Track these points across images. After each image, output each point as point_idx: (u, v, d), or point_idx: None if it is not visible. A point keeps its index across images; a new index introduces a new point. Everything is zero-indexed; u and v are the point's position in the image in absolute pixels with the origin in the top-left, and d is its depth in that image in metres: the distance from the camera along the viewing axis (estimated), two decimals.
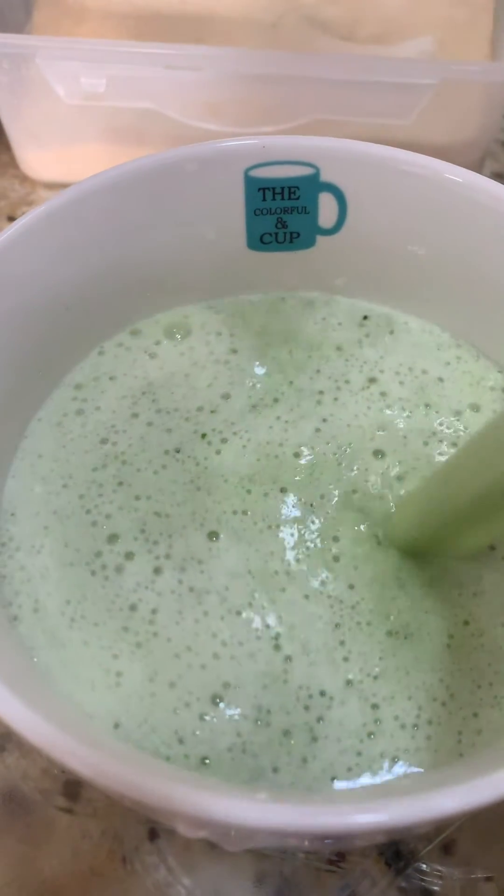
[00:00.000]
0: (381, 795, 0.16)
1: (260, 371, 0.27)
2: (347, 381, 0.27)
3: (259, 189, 0.24)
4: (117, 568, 0.23)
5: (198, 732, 0.21)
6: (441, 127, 0.37)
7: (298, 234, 0.25)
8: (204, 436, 0.26)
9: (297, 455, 0.25)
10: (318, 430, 0.26)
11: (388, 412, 0.26)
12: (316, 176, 0.24)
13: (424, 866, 0.24)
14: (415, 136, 0.37)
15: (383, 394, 0.26)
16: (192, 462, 0.25)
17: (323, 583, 0.23)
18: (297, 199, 0.24)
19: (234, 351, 0.28)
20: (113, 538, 0.24)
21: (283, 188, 0.24)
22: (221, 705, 0.21)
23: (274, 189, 0.24)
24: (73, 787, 0.26)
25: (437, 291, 0.27)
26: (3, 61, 0.36)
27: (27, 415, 0.26)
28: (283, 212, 0.25)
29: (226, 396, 0.26)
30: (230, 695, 0.21)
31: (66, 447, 0.25)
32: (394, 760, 0.20)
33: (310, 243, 0.26)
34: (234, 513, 0.24)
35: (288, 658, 0.22)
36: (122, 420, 0.26)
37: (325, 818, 0.13)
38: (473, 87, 0.36)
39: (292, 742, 0.21)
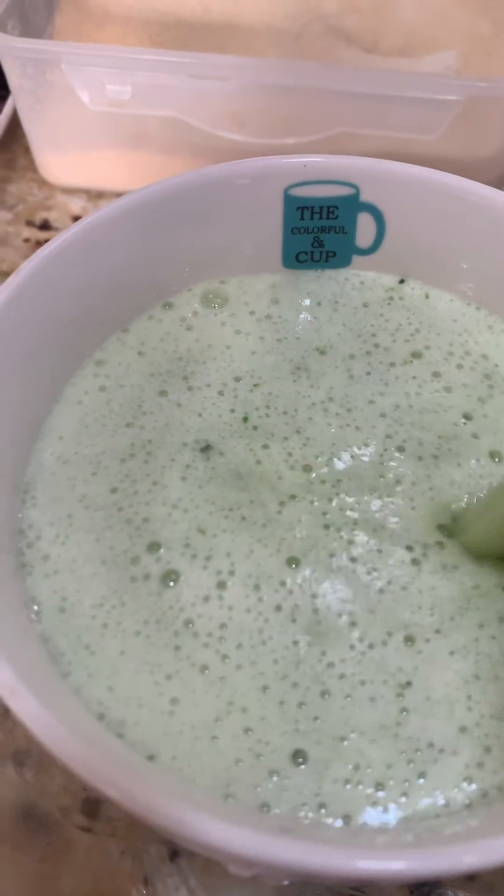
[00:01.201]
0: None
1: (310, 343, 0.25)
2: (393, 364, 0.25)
3: (298, 208, 0.24)
4: (164, 577, 0.21)
5: (259, 789, 0.18)
6: (465, 142, 0.37)
7: (335, 254, 0.25)
8: (245, 419, 0.24)
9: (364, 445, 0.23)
10: (383, 415, 0.24)
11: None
12: (356, 196, 0.24)
13: (449, 892, 0.24)
14: (439, 151, 0.37)
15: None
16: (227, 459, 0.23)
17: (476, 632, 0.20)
18: (336, 218, 0.24)
19: (273, 317, 0.26)
20: (153, 547, 0.22)
21: (321, 207, 0.24)
22: (304, 767, 0.18)
23: (313, 208, 0.24)
24: (92, 805, 0.25)
25: None
26: (28, 66, 0.36)
27: (51, 394, 0.24)
28: (321, 231, 0.24)
29: (274, 368, 0.25)
30: (320, 752, 0.18)
31: (88, 427, 0.24)
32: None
33: (345, 262, 0.26)
34: (308, 538, 0.22)
35: (404, 710, 0.19)
36: (149, 400, 0.24)
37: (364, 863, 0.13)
38: (499, 103, 0.36)
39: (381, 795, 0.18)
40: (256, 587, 0.21)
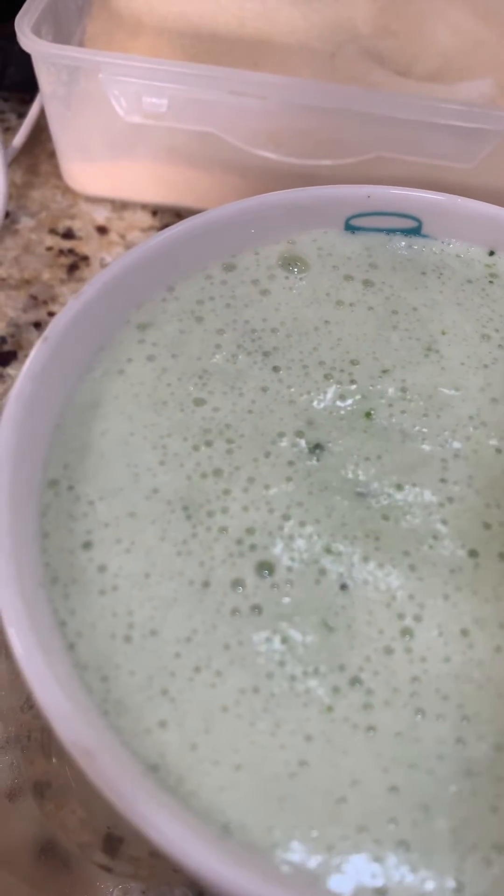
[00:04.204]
0: None
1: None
2: None
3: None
4: (253, 609, 0.18)
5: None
6: (502, 172, 0.37)
7: None
8: (369, 415, 0.20)
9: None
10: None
11: None
12: (417, 229, 0.24)
13: None
14: (475, 180, 0.37)
15: None
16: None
17: None
18: None
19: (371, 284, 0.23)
20: (263, 567, 0.18)
21: None
22: (410, 854, 0.15)
23: None
24: (113, 843, 0.25)
25: None
26: (62, 73, 0.35)
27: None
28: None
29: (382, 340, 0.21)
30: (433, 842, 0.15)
31: (140, 404, 0.20)
32: None
33: None
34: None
35: None
36: (216, 374, 0.20)
37: None
38: None
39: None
40: (448, 639, 0.18)
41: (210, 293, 0.22)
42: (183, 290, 0.22)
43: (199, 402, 0.20)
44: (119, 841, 0.25)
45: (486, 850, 0.15)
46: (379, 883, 0.15)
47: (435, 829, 0.16)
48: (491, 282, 0.23)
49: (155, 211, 0.40)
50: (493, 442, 0.21)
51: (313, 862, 0.15)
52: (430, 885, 0.15)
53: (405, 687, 0.17)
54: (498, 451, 0.20)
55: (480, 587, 0.18)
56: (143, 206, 0.40)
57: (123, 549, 0.18)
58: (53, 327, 0.20)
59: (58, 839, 0.25)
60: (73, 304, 0.21)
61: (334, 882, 0.15)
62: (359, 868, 0.15)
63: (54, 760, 0.25)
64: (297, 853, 0.15)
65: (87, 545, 0.18)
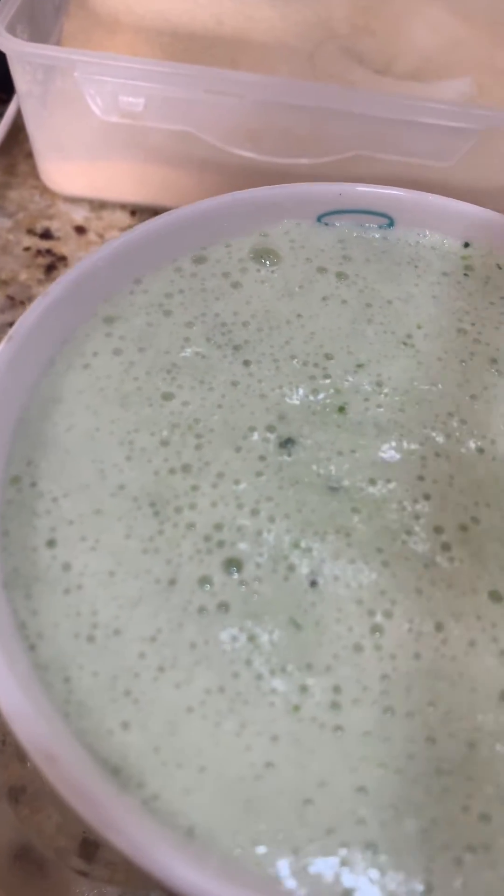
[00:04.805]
0: None
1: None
2: None
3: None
4: (220, 606, 0.17)
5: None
6: (480, 171, 0.36)
7: None
8: (343, 409, 0.20)
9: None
10: None
11: None
12: (389, 227, 0.23)
13: None
14: (454, 178, 0.37)
15: None
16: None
17: None
18: None
19: (345, 276, 0.22)
20: (231, 564, 0.18)
21: None
22: (378, 856, 0.15)
23: None
24: (89, 848, 0.24)
25: None
26: (38, 72, 0.35)
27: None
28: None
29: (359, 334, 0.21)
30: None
31: (107, 398, 0.20)
32: None
33: None
34: None
35: None
36: (185, 368, 0.20)
37: None
38: None
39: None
40: (419, 634, 0.17)
41: (179, 286, 0.22)
42: (151, 283, 0.22)
43: (167, 397, 0.20)
44: (95, 846, 0.24)
45: (457, 850, 0.15)
46: (346, 885, 0.15)
47: (404, 829, 0.15)
48: (466, 275, 0.23)
49: (133, 211, 0.39)
50: (475, 442, 0.20)
51: (279, 865, 0.15)
52: (398, 888, 0.15)
53: (375, 685, 0.16)
54: (480, 450, 0.20)
55: (456, 581, 0.18)
56: (122, 206, 0.39)
57: (88, 546, 0.18)
58: (19, 327, 0.20)
59: (33, 844, 0.24)
60: (39, 303, 0.20)
61: (300, 885, 0.15)
62: (326, 871, 0.15)
63: (29, 765, 0.25)
64: (263, 856, 0.15)
65: (50, 543, 0.18)
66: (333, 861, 0.15)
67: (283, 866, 0.15)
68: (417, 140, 0.35)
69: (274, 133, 0.36)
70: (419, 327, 0.22)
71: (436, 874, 0.15)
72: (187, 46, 0.40)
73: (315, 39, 0.40)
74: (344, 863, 0.15)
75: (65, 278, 0.21)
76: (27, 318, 0.20)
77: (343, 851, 0.15)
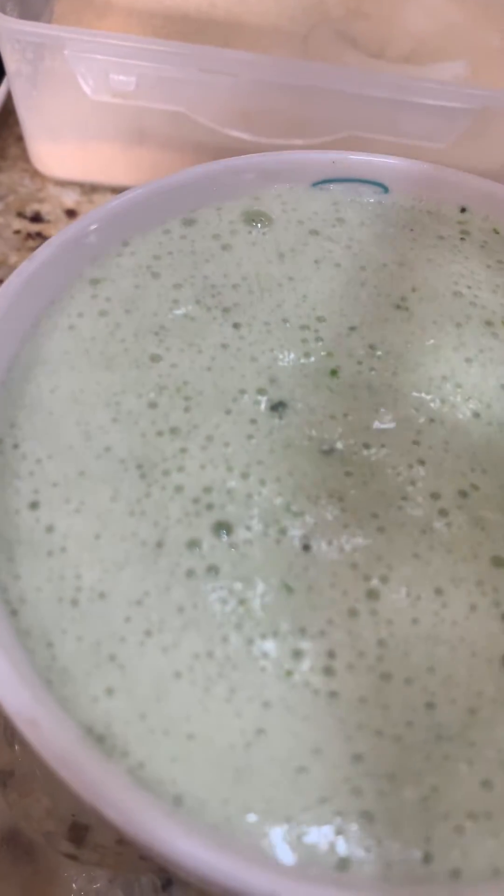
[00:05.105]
0: None
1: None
2: None
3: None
4: (209, 569, 0.17)
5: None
6: (475, 152, 0.36)
7: None
8: (335, 372, 0.19)
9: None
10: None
11: None
12: (384, 195, 0.23)
13: None
14: (448, 159, 0.36)
15: None
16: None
17: None
18: None
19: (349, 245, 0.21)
20: (221, 527, 0.17)
21: None
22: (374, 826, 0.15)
23: None
24: (79, 831, 0.24)
25: None
26: (28, 50, 0.34)
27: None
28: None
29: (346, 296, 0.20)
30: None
31: (92, 359, 0.19)
32: None
33: None
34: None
35: None
36: (174, 330, 0.19)
37: None
38: None
39: None
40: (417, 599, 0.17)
41: (168, 248, 0.21)
42: (139, 245, 0.21)
43: (155, 359, 0.19)
44: (85, 829, 0.23)
45: (458, 818, 0.14)
46: (342, 854, 0.14)
47: (403, 798, 0.14)
48: (462, 238, 0.22)
49: None
50: (471, 405, 0.20)
51: (272, 835, 0.14)
52: (396, 857, 0.14)
53: (371, 650, 0.16)
54: (476, 414, 0.19)
55: (456, 546, 0.17)
56: (113, 190, 0.39)
57: (73, 509, 0.17)
58: (4, 291, 0.19)
59: (22, 828, 0.24)
60: (25, 267, 0.20)
61: (292, 855, 0.14)
62: (320, 840, 0.14)
63: (17, 748, 0.24)
64: (254, 826, 0.14)
65: (33, 505, 0.17)
66: (328, 830, 0.14)
67: (276, 835, 0.14)
68: (412, 121, 0.35)
69: (267, 114, 0.35)
70: (414, 290, 0.21)
71: (435, 843, 0.14)
72: (179, 29, 0.39)
73: (309, 22, 0.40)
74: (339, 832, 0.14)
75: (51, 244, 0.20)
76: (12, 283, 0.19)
77: (338, 821, 0.14)
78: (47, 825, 0.24)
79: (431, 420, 0.19)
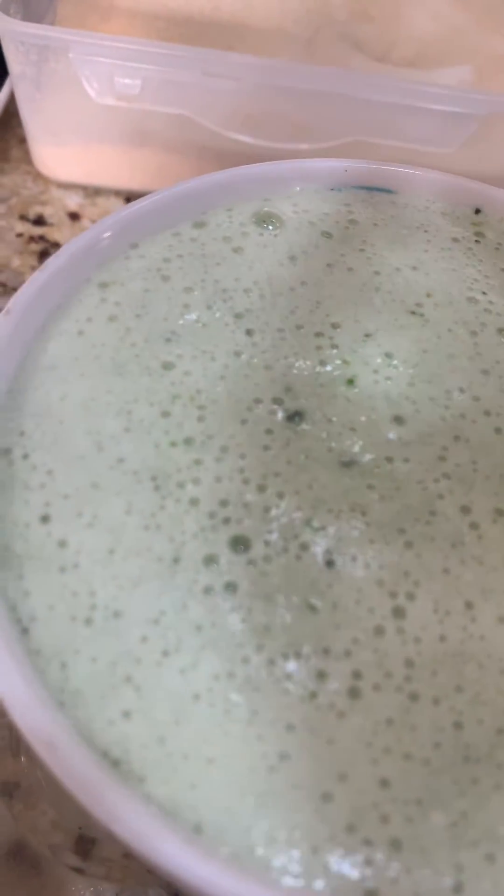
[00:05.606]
0: None
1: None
2: None
3: None
4: (228, 587, 0.16)
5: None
6: (481, 157, 0.36)
7: None
8: (352, 381, 0.19)
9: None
10: None
11: None
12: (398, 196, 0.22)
13: None
14: (454, 164, 0.36)
15: None
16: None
17: None
18: None
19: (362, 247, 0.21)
20: (238, 542, 0.16)
21: None
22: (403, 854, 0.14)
23: None
24: (85, 844, 0.23)
25: None
26: (32, 52, 0.34)
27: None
28: None
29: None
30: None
31: (103, 366, 0.18)
32: None
33: None
34: None
35: None
36: (185, 336, 0.19)
37: None
38: None
39: None
40: (446, 614, 0.16)
41: (178, 251, 0.20)
42: (148, 248, 0.20)
43: (167, 366, 0.19)
44: (91, 842, 0.23)
45: (488, 846, 0.14)
46: (369, 886, 0.13)
47: (431, 824, 0.14)
48: (477, 241, 0.22)
49: (128, 197, 0.38)
50: (492, 422, 0.19)
51: (297, 865, 0.13)
52: (425, 887, 0.13)
53: (398, 670, 0.15)
54: (497, 431, 0.19)
55: (487, 556, 0.17)
56: (117, 193, 0.38)
57: (85, 522, 0.16)
58: (16, 301, 0.18)
59: (28, 841, 0.23)
60: (37, 278, 0.19)
61: (320, 885, 0.13)
62: (347, 871, 0.13)
63: (23, 760, 0.24)
64: (278, 855, 0.13)
65: (44, 518, 0.16)
66: (356, 860, 0.13)
67: (302, 865, 0.13)
68: (418, 126, 0.35)
69: (272, 118, 0.35)
70: (429, 296, 0.20)
71: (466, 872, 0.14)
72: (183, 32, 0.39)
73: (313, 25, 0.40)
74: (368, 862, 0.13)
75: (62, 253, 0.19)
76: (25, 293, 0.19)
77: (366, 850, 0.14)
78: (53, 838, 0.23)
79: (456, 438, 0.18)
